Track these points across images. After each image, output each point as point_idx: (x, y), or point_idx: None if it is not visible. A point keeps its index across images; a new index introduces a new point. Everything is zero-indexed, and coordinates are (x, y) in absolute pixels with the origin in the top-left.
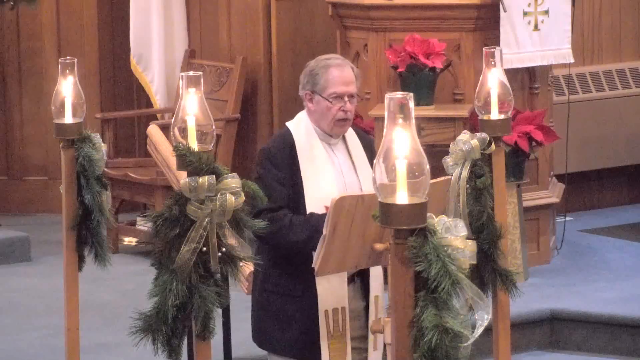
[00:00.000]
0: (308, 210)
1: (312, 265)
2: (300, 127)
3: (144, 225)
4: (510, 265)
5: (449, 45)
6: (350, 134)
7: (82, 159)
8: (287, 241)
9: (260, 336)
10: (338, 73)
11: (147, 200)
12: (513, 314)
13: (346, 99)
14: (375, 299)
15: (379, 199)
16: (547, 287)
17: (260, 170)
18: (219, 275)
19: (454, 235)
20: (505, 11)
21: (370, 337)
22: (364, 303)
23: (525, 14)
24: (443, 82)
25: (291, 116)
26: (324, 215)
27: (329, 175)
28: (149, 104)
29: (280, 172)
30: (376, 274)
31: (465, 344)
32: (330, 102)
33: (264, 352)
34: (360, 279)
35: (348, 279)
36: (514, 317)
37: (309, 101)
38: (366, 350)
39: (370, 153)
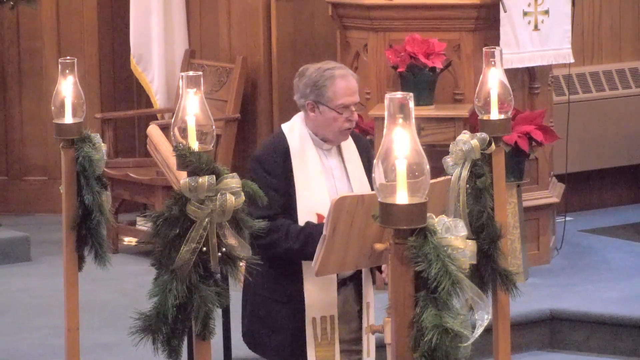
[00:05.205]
0: (300, 216)
1: (312, 266)
2: (295, 131)
3: (144, 225)
4: (510, 265)
5: (449, 45)
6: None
7: (82, 159)
8: (283, 250)
9: (250, 338)
10: (345, 84)
11: (147, 200)
12: (513, 314)
13: (352, 108)
14: (366, 305)
15: (379, 199)
16: (547, 287)
17: (254, 177)
18: (219, 275)
19: (454, 235)
20: (505, 11)
21: (365, 342)
22: (357, 307)
23: (525, 14)
24: (443, 82)
25: (291, 116)
26: (320, 224)
27: (321, 181)
28: (149, 104)
29: (274, 179)
30: (368, 278)
31: (465, 344)
32: (340, 113)
33: None
34: (353, 283)
35: (340, 282)
36: (514, 317)
37: (311, 111)
38: (357, 352)
39: (368, 155)
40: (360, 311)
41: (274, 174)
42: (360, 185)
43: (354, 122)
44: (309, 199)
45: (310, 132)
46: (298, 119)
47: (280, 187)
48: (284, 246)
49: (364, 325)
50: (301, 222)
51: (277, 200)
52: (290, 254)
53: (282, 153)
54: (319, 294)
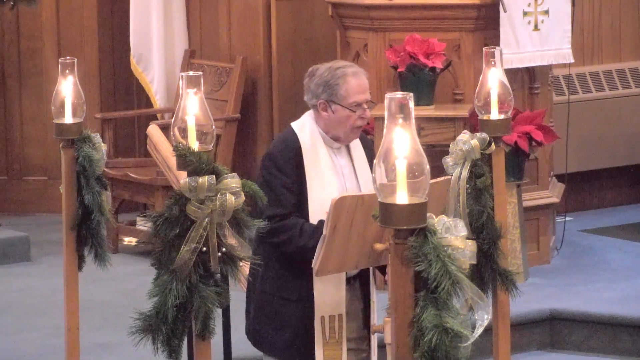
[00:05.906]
0: (311, 214)
1: (312, 265)
2: (305, 130)
3: (144, 225)
4: (510, 265)
5: (449, 45)
6: None
7: (82, 159)
8: (297, 247)
9: (255, 336)
10: (357, 82)
11: (147, 200)
12: (513, 314)
13: (365, 106)
14: (373, 303)
15: (379, 199)
16: (547, 287)
17: (267, 175)
18: (219, 275)
19: (454, 235)
20: (505, 11)
21: (373, 342)
22: (361, 305)
23: (525, 14)
24: (443, 82)
25: (291, 116)
26: None
27: (332, 179)
28: (149, 104)
29: (287, 177)
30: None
31: (465, 344)
32: (353, 110)
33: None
34: (358, 281)
35: (346, 281)
36: (514, 317)
37: (323, 110)
38: (363, 351)
39: (370, 153)
40: (363, 309)
41: (287, 173)
42: (368, 184)
43: (366, 120)
44: (321, 197)
45: (321, 131)
46: (308, 118)
47: (293, 186)
48: (298, 244)
49: (372, 323)
50: (312, 219)
51: (289, 199)
52: (303, 253)
53: (293, 151)
54: (328, 292)
